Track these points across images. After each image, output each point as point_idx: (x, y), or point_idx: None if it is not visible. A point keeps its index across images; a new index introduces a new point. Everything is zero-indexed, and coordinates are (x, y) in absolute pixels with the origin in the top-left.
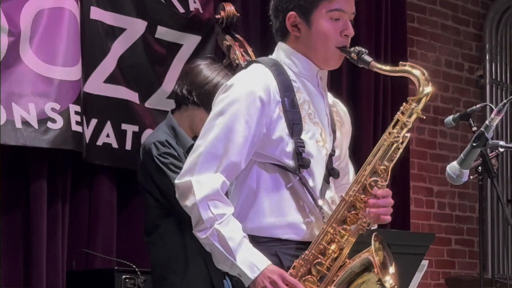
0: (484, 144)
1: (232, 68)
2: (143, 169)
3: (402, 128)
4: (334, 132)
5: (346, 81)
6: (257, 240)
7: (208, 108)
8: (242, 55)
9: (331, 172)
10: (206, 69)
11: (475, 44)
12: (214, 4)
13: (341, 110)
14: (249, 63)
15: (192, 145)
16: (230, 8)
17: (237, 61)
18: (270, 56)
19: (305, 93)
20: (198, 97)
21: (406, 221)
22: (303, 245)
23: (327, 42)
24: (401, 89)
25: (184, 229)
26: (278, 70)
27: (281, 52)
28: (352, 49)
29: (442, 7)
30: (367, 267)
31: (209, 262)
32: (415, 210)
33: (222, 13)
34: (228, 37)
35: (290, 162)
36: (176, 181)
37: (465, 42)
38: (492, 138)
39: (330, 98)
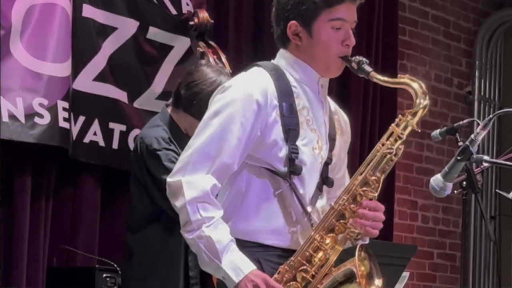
0: (468, 158)
1: None
2: (139, 162)
3: (396, 140)
4: (333, 140)
5: (335, 90)
6: (240, 244)
7: None
8: (216, 62)
9: (325, 181)
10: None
11: (465, 60)
12: (207, 7)
13: (342, 119)
14: (250, 66)
15: None
16: (203, 14)
17: None
18: (271, 61)
19: (304, 99)
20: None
21: (389, 233)
22: (286, 252)
23: (328, 51)
24: (390, 100)
25: (174, 233)
26: (277, 75)
27: (282, 59)
28: (353, 58)
29: (434, 22)
30: (350, 277)
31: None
32: (398, 222)
33: (196, 20)
34: (201, 43)
35: (282, 168)
36: (168, 179)
37: (455, 58)
38: (477, 153)
39: (333, 105)
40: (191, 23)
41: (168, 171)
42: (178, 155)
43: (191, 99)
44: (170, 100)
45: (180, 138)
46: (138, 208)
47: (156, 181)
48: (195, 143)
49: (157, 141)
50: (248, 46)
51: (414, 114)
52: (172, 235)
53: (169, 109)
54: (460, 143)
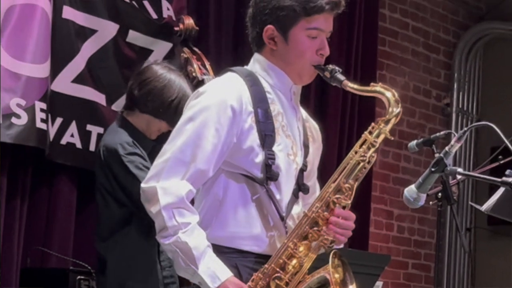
0: (442, 170)
1: (189, 81)
2: (105, 171)
3: (369, 148)
4: (306, 147)
5: (314, 99)
6: (218, 250)
7: (173, 122)
8: (200, 68)
9: (301, 187)
10: (171, 83)
11: (444, 72)
12: (188, 12)
13: (313, 126)
14: (224, 71)
15: (154, 147)
16: (189, 21)
17: (194, 74)
18: (245, 67)
19: (279, 105)
20: (166, 114)
21: (364, 243)
22: (263, 258)
23: (302, 59)
24: (368, 110)
25: (147, 235)
26: (252, 81)
27: (257, 64)
28: (326, 67)
29: (414, 33)
30: (324, 284)
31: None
32: (374, 232)
33: (181, 26)
34: (186, 49)
35: (259, 174)
36: (142, 185)
37: (434, 70)
38: (454, 165)
39: (304, 113)
40: (176, 28)
41: (137, 179)
42: (143, 157)
43: (145, 98)
44: (123, 107)
45: (141, 140)
46: (106, 216)
47: (125, 188)
48: (169, 149)
49: (121, 147)
50: (228, 52)
51: (387, 122)
52: (145, 237)
53: (124, 114)
54: (437, 155)
